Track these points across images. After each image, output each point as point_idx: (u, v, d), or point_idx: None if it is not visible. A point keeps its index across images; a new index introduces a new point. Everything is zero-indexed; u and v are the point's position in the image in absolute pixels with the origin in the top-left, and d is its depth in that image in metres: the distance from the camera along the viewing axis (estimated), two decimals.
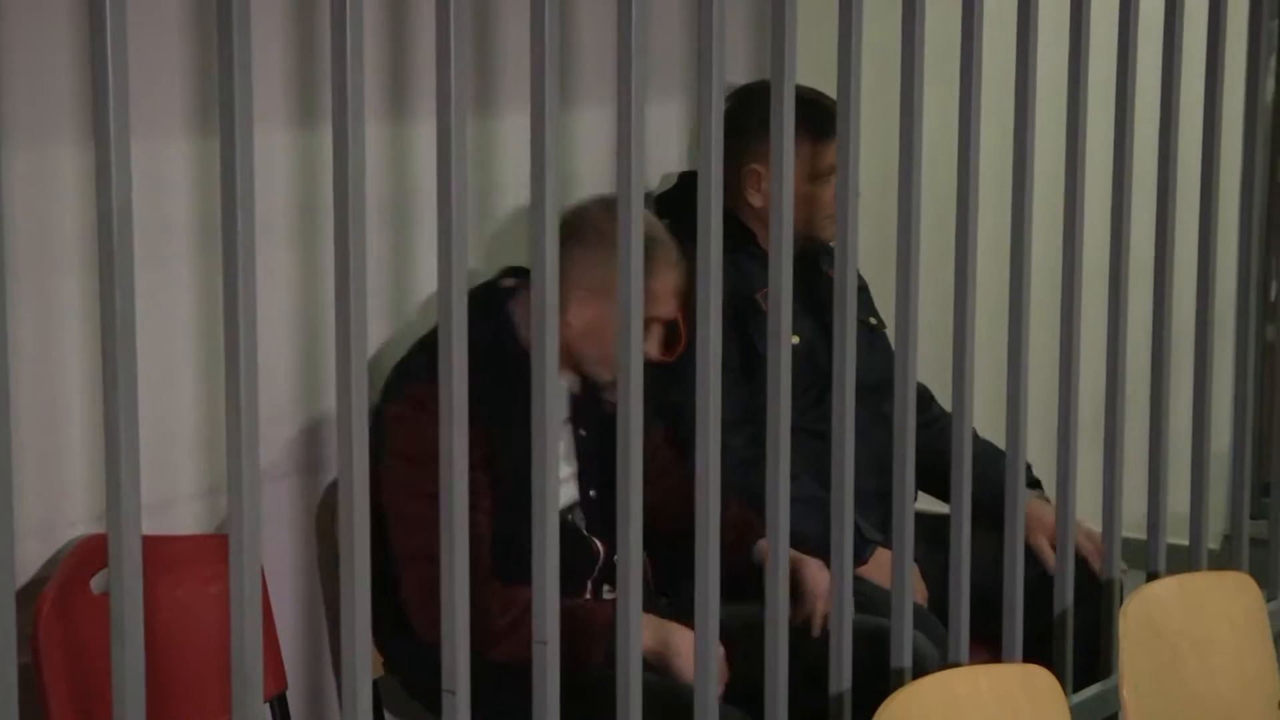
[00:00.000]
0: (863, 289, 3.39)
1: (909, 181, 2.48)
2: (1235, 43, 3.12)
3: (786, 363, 2.36)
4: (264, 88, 2.70)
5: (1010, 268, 2.70)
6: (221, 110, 1.83)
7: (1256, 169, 3.19)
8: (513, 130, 3.15)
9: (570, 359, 2.81)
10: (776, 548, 2.40)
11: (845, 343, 2.45)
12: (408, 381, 2.75)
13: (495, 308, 2.84)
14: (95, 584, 2.55)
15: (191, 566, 2.67)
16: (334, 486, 2.86)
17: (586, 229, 2.77)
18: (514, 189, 3.18)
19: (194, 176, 2.70)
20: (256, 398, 1.88)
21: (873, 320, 3.36)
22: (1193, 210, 3.08)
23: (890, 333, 2.97)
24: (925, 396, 3.24)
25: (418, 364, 2.74)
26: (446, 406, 2.04)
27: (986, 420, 3.12)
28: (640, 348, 2.20)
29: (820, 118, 2.91)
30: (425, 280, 3.00)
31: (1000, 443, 2.92)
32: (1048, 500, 3.27)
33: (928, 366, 2.92)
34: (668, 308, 2.80)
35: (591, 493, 2.92)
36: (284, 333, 2.85)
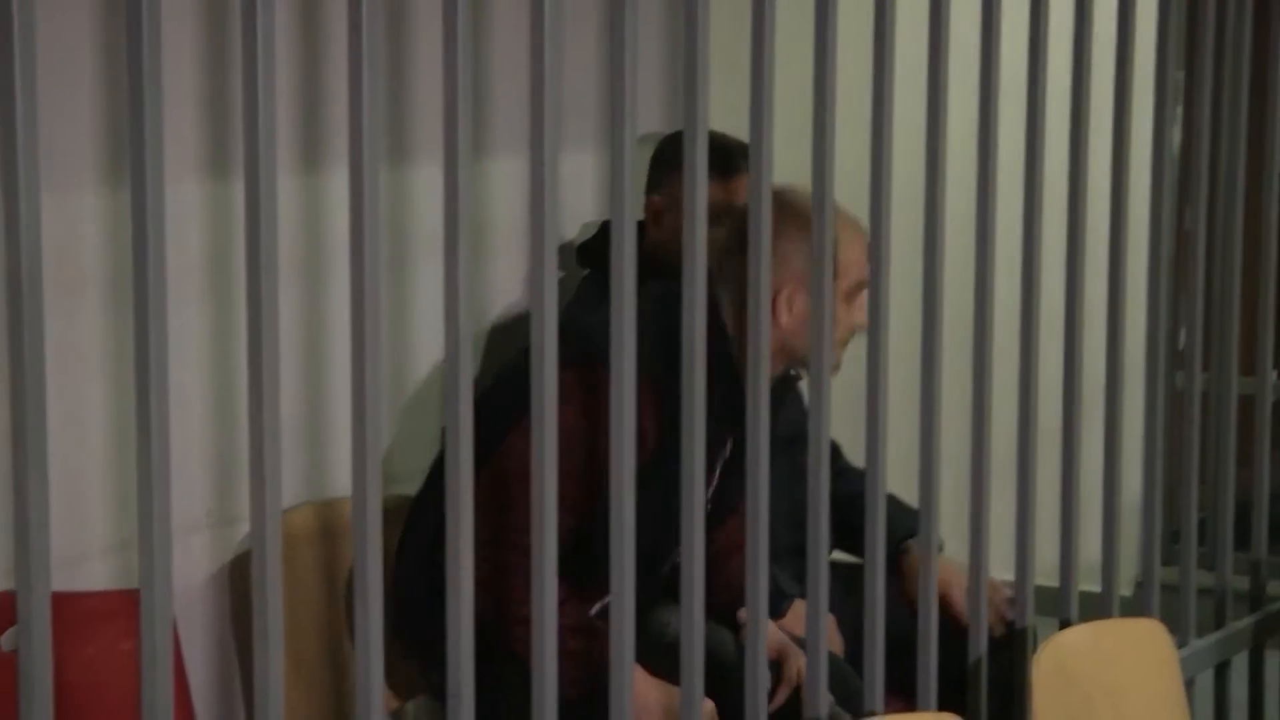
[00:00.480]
0: None
1: (821, 234, 2.49)
2: (1142, 94, 3.16)
3: (700, 413, 2.36)
4: (176, 139, 2.71)
5: (922, 317, 2.72)
6: (133, 162, 1.83)
7: (1164, 218, 3.23)
8: (427, 180, 3.16)
9: (782, 355, 2.79)
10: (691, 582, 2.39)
11: (759, 395, 2.45)
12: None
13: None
14: (4, 641, 2.52)
15: (102, 623, 2.64)
16: (247, 540, 2.85)
17: (787, 220, 2.67)
18: (427, 237, 3.18)
19: (106, 228, 2.69)
20: (168, 450, 1.87)
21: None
22: (1102, 260, 3.12)
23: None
24: (833, 450, 3.25)
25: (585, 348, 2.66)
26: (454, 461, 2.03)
27: (898, 469, 3.13)
28: (553, 377, 2.18)
29: (727, 155, 2.95)
30: (338, 327, 3.00)
31: (908, 493, 2.93)
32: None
33: (841, 416, 2.93)
34: (861, 273, 2.75)
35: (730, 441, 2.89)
36: (196, 384, 2.84)
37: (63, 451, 2.60)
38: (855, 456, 3.03)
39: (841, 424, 3.02)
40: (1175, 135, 4.43)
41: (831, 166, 2.49)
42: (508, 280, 3.43)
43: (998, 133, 2.78)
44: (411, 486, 3.10)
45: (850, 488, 2.91)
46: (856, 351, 2.67)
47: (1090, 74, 2.95)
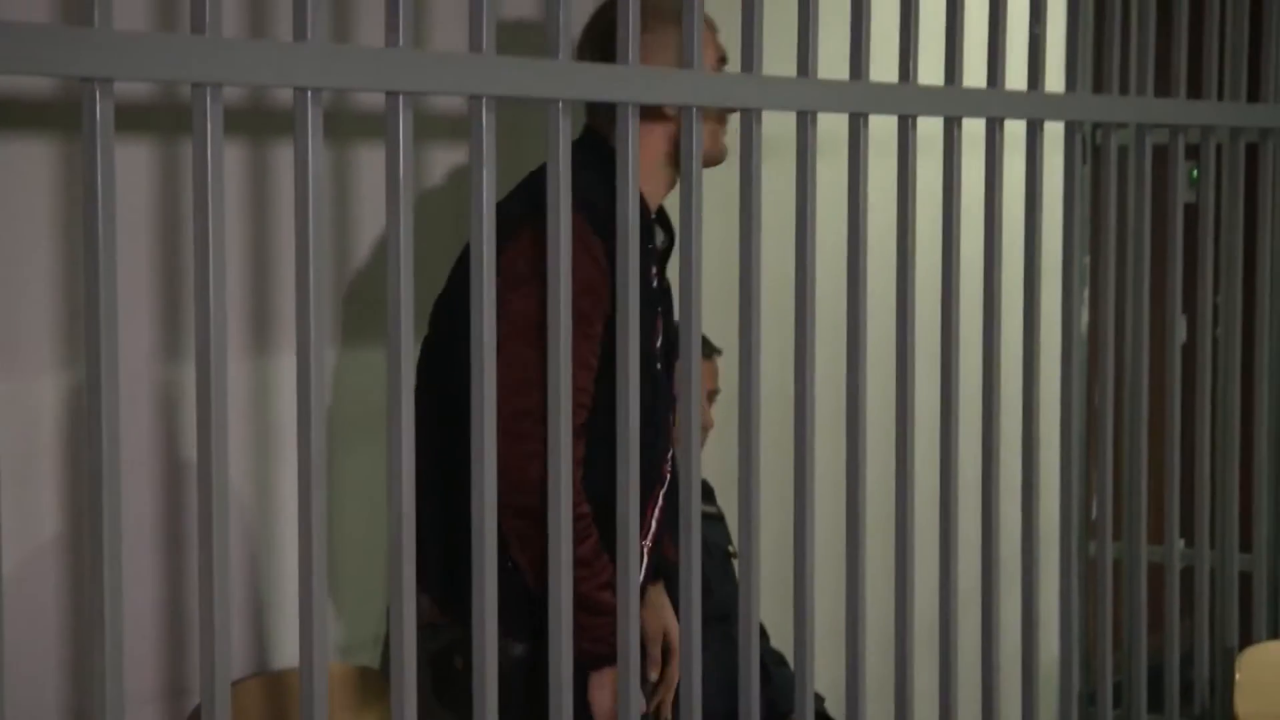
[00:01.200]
0: (720, 518, 3.50)
1: (749, 418, 2.57)
2: (1050, 279, 3.27)
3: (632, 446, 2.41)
4: (131, 324, 2.80)
5: (846, 494, 2.77)
6: (87, 345, 1.87)
7: (1073, 394, 3.32)
8: (370, 362, 3.24)
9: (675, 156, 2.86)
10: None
11: (690, 573, 2.50)
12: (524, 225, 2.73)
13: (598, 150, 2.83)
14: None
15: None
16: (197, 711, 2.86)
17: (651, 15, 2.73)
18: (371, 416, 3.25)
19: (64, 406, 2.76)
20: (121, 623, 1.88)
21: (730, 549, 3.44)
22: (1016, 433, 3.18)
23: None
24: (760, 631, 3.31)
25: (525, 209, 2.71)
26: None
27: (826, 631, 3.19)
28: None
29: None
30: (286, 502, 3.06)
31: (835, 657, 2.97)
32: None
33: (769, 590, 3.02)
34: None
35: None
36: (148, 557, 2.87)
37: (16, 624, 2.67)
38: (784, 638, 3.07)
39: (769, 600, 3.09)
40: (1083, 316, 4.57)
41: (759, 349, 2.61)
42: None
43: (915, 308, 2.84)
44: (359, 656, 3.14)
45: (768, 661, 2.99)
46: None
47: (1001, 260, 3.04)
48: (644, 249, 2.80)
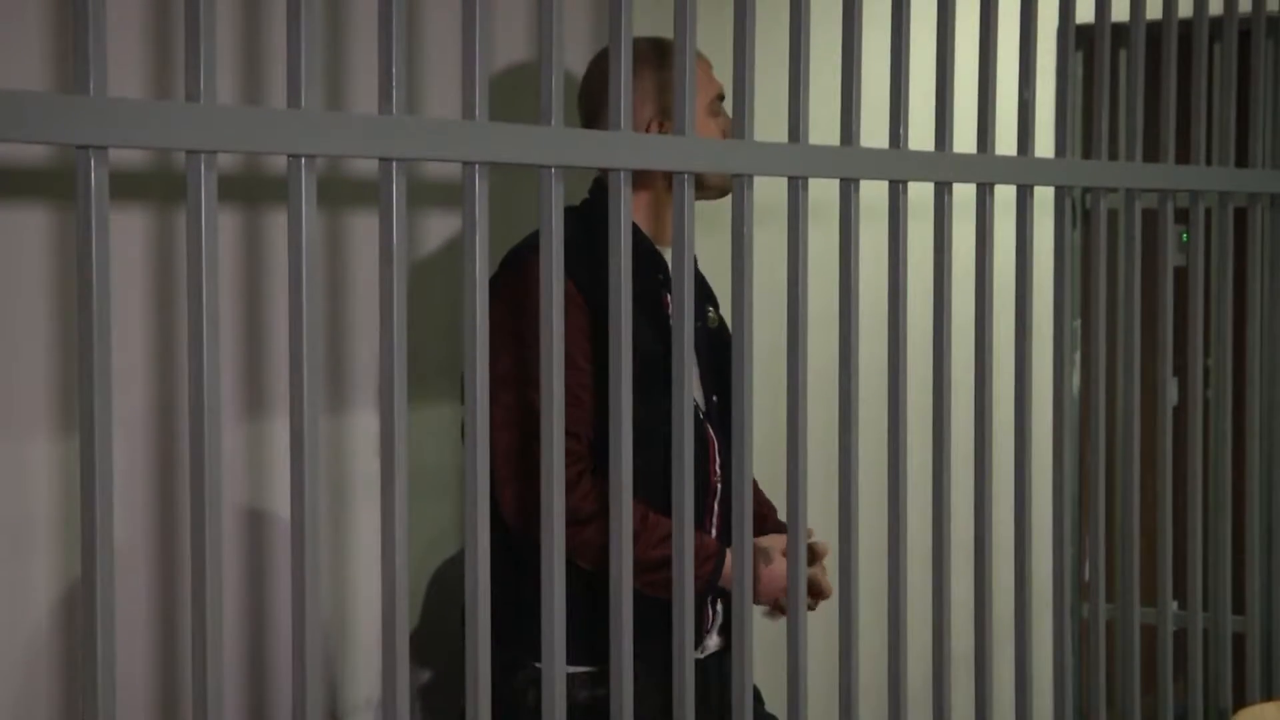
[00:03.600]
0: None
1: (741, 479, 2.58)
2: (1041, 342, 3.28)
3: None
4: (125, 390, 2.82)
5: (839, 554, 2.77)
6: (81, 415, 1.87)
7: (1065, 456, 3.33)
8: (364, 426, 3.26)
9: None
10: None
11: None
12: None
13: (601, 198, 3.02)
14: None
15: None
16: None
17: (637, 62, 2.94)
18: (365, 480, 3.27)
19: (58, 473, 2.78)
20: (113, 703, 1.88)
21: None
22: (1008, 495, 3.20)
23: None
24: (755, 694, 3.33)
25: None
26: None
27: (819, 693, 3.20)
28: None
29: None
30: (282, 568, 3.07)
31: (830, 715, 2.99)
32: None
33: (762, 653, 3.01)
34: (714, 87, 3.06)
35: (714, 397, 3.12)
36: (141, 637, 2.89)
37: (10, 699, 2.68)
38: (779, 702, 3.09)
39: (762, 666, 3.09)
40: (1073, 379, 4.60)
41: (750, 423, 2.62)
42: (445, 521, 3.52)
43: (907, 372, 2.85)
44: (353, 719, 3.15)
45: None
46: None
47: (992, 324, 3.06)
48: (653, 280, 3.04)
